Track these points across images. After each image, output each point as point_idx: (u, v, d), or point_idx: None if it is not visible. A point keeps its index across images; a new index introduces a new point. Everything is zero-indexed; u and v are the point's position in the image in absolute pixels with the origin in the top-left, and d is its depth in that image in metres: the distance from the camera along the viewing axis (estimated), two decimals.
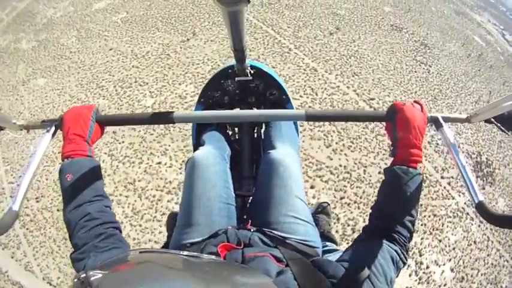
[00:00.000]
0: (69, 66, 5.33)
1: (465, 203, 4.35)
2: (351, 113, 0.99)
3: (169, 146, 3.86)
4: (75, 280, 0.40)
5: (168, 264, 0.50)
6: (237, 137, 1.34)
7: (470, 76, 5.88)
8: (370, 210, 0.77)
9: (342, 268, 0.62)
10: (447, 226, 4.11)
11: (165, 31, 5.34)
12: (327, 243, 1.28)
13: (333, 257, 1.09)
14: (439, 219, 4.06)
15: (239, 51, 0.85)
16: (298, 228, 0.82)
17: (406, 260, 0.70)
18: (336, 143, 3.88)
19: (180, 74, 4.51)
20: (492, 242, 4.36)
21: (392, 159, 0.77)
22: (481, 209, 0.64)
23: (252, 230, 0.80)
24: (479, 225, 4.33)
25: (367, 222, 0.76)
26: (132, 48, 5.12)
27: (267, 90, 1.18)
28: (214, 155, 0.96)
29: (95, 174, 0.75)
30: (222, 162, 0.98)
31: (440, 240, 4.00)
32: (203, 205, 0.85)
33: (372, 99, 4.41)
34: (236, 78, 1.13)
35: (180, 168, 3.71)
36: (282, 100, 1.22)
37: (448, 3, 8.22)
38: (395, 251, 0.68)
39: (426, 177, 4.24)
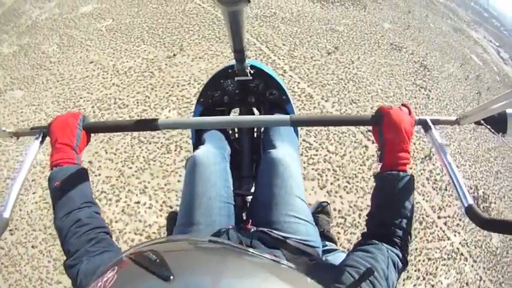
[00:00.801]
0: (47, 79, 4.50)
1: (460, 243, 3.81)
2: (337, 117, 0.89)
3: (148, 183, 3.17)
4: (142, 258, 0.35)
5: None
6: (236, 136, 1.22)
7: (468, 100, 5.22)
8: (366, 217, 0.70)
9: (345, 273, 0.55)
10: (441, 269, 3.57)
11: (151, 44, 4.50)
12: (327, 243, 1.16)
13: (332, 257, 1.00)
14: (433, 263, 3.51)
15: (239, 52, 0.77)
16: (298, 228, 0.75)
17: (407, 263, 0.64)
18: (331, 184, 3.24)
19: (164, 96, 3.75)
20: (484, 281, 3.85)
21: (380, 164, 0.69)
22: (471, 212, 0.58)
23: (252, 230, 0.72)
24: (472, 265, 3.81)
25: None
26: (114, 63, 4.30)
27: (266, 90, 1.08)
28: (214, 154, 0.88)
29: (83, 181, 0.70)
30: (222, 161, 0.89)
31: (433, 286, 3.47)
32: (203, 204, 0.77)
33: (370, 130, 3.72)
34: (236, 78, 1.03)
35: (160, 210, 3.05)
36: (281, 100, 1.11)
37: (445, 19, 7.42)
38: (397, 254, 0.62)
39: (423, 218, 3.65)
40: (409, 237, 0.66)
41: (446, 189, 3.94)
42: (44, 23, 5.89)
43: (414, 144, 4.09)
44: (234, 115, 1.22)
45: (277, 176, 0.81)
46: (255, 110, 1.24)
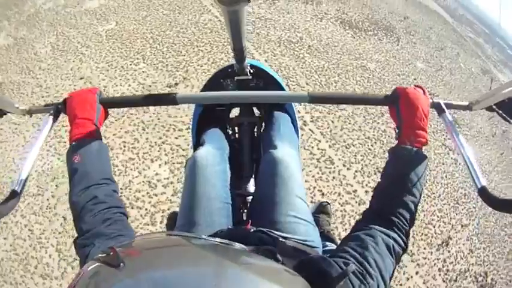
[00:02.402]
0: (32, 91, 3.26)
1: None
2: (354, 96, 0.78)
3: None
4: (102, 255, 0.31)
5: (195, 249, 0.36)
6: (236, 136, 1.03)
7: (493, 165, 3.97)
8: (373, 192, 0.57)
9: (334, 265, 0.44)
10: None
11: (152, 63, 3.15)
12: (327, 243, 0.99)
13: None
14: None
15: (239, 51, 0.67)
16: (298, 228, 0.64)
17: (406, 246, 0.52)
18: None
19: (156, 143, 2.54)
20: None
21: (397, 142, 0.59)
22: (484, 194, 0.50)
23: (251, 230, 0.58)
24: None
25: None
26: (106, 83, 3.01)
27: (266, 89, 0.91)
28: (214, 154, 0.75)
29: (103, 156, 0.60)
30: (222, 161, 0.76)
31: None
32: (203, 205, 0.66)
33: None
34: (236, 78, 0.87)
35: None
36: None
37: (475, 58, 5.81)
38: (393, 238, 0.50)
39: None
40: (411, 218, 0.52)
41: (456, 280, 2.94)
42: (46, 15, 4.42)
43: (434, 227, 2.98)
44: (235, 113, 1.00)
45: (278, 176, 0.67)
46: (255, 109, 1.02)
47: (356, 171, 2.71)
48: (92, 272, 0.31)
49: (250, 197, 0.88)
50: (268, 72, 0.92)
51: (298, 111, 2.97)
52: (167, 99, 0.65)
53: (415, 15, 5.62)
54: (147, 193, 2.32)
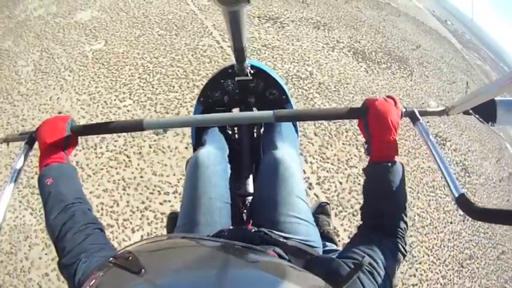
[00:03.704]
0: (8, 121, 2.60)
1: None
2: (321, 111, 0.63)
3: None
4: (115, 260, 0.28)
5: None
6: (236, 137, 0.95)
7: None
8: (360, 210, 0.54)
9: (342, 264, 0.42)
10: None
11: (139, 100, 2.47)
12: (327, 243, 0.89)
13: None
14: None
15: (239, 51, 0.61)
16: (299, 228, 0.59)
17: (406, 252, 0.49)
18: None
19: (137, 208, 1.95)
20: None
21: (368, 158, 0.55)
22: (462, 202, 0.44)
23: (253, 231, 0.55)
24: None
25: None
26: (85, 122, 2.32)
27: (266, 90, 0.84)
28: (215, 154, 0.69)
29: (74, 178, 0.56)
30: (223, 161, 0.71)
31: None
32: (204, 205, 0.61)
33: None
34: (236, 78, 0.80)
35: None
36: (281, 100, 0.87)
37: None
38: (394, 243, 0.48)
39: None
40: (405, 226, 0.49)
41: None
42: (34, 24, 3.58)
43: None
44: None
45: (278, 176, 0.62)
46: (255, 110, 0.89)
47: None
48: (109, 277, 0.28)
49: (250, 197, 0.82)
50: (268, 73, 0.82)
51: (304, 170, 2.33)
52: (133, 126, 0.58)
53: (426, 43, 4.78)
54: None
